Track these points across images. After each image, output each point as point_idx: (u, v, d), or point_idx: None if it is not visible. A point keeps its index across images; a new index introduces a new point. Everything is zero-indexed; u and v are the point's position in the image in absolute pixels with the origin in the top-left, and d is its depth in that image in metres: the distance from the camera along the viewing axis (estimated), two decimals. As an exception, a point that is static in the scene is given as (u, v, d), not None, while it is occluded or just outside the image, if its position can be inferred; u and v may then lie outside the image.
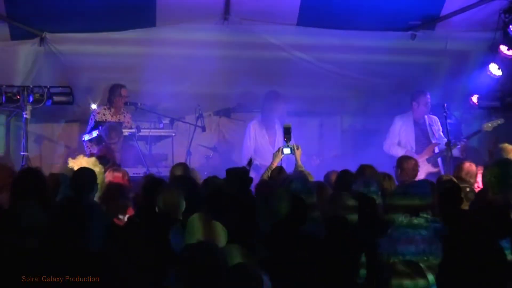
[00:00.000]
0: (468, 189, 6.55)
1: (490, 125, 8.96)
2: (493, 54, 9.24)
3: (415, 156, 8.91)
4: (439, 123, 9.19)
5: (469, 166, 7.23)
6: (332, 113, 10.69)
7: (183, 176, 6.52)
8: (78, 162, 6.59)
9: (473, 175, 7.14)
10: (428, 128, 9.27)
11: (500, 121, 8.93)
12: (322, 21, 8.90)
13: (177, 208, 5.31)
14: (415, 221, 3.69)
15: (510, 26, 8.79)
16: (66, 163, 7.26)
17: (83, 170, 6.11)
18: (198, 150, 9.80)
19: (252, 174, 9.13)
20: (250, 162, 7.38)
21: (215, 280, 3.34)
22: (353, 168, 6.86)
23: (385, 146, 9.35)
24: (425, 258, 3.53)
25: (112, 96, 9.29)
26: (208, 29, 8.78)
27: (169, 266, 3.94)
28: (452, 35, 9.28)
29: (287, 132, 8.10)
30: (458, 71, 9.55)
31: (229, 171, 6.42)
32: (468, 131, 9.79)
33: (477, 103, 9.72)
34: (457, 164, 7.54)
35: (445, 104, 8.89)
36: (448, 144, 8.72)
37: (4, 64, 8.75)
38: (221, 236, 4.45)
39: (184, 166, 7.20)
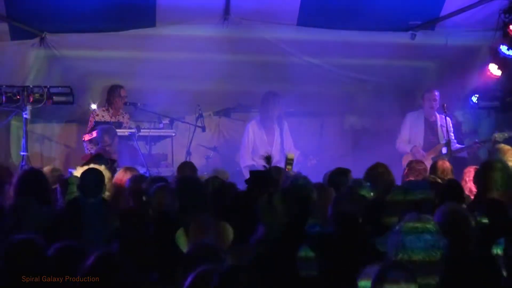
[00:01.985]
0: None
1: (502, 135, 8.99)
2: (493, 54, 9.23)
3: (421, 152, 8.97)
4: (451, 125, 9.20)
5: (443, 164, 7.24)
6: (332, 113, 10.68)
7: (187, 176, 6.52)
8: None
9: (448, 173, 7.14)
10: (439, 128, 9.31)
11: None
12: (322, 21, 8.90)
13: (170, 208, 5.31)
14: (423, 218, 3.70)
15: (510, 26, 8.78)
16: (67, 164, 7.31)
17: (91, 170, 6.10)
18: (198, 150, 9.80)
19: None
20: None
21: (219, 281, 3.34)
22: (352, 169, 6.86)
23: (396, 143, 9.40)
24: (433, 253, 3.55)
25: (111, 97, 9.30)
26: (208, 29, 8.77)
27: (172, 266, 3.94)
28: (452, 35, 9.28)
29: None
30: (458, 71, 9.55)
31: (253, 174, 6.36)
32: (467, 131, 9.82)
33: (477, 103, 9.73)
34: (431, 165, 7.55)
35: (445, 104, 8.92)
36: (448, 144, 8.75)
37: (4, 64, 8.74)
38: (229, 236, 4.47)
39: (191, 165, 7.26)
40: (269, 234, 4.61)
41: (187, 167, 7.23)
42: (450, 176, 7.11)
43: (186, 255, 3.94)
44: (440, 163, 7.28)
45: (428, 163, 8.93)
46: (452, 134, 9.10)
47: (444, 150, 9.15)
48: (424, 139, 9.31)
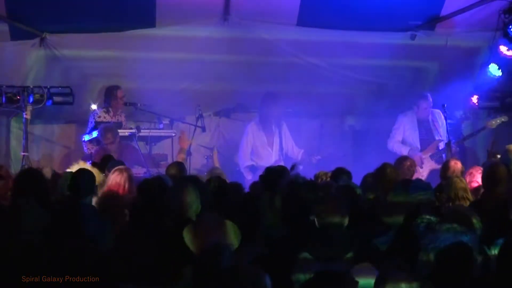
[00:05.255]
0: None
1: (494, 122, 9.01)
2: (493, 54, 9.23)
3: (419, 154, 8.96)
4: (442, 117, 9.19)
5: (454, 164, 7.21)
6: (332, 113, 10.68)
7: (190, 176, 6.50)
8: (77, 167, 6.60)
9: (459, 173, 7.13)
10: (432, 125, 9.32)
11: (504, 118, 8.97)
12: (322, 21, 8.89)
13: (190, 208, 5.27)
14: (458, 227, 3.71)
15: (510, 26, 8.77)
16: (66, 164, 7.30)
17: (82, 171, 6.10)
18: (198, 150, 9.80)
19: (249, 175, 9.20)
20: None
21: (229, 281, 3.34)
22: (352, 169, 6.87)
23: (389, 144, 9.39)
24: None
25: (109, 99, 9.29)
26: (208, 29, 8.77)
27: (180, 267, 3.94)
28: (452, 35, 9.28)
29: None
30: (458, 71, 9.55)
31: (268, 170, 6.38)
32: (468, 131, 9.81)
33: (477, 104, 9.72)
34: (443, 164, 7.54)
35: (445, 105, 8.92)
36: (448, 144, 8.75)
37: (4, 64, 8.74)
38: (233, 236, 4.47)
39: (180, 165, 7.23)
40: (271, 234, 4.61)
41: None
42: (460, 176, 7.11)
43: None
44: (452, 163, 7.26)
45: (427, 162, 9.00)
46: (441, 130, 9.13)
47: (440, 146, 9.16)
48: (420, 139, 9.31)
